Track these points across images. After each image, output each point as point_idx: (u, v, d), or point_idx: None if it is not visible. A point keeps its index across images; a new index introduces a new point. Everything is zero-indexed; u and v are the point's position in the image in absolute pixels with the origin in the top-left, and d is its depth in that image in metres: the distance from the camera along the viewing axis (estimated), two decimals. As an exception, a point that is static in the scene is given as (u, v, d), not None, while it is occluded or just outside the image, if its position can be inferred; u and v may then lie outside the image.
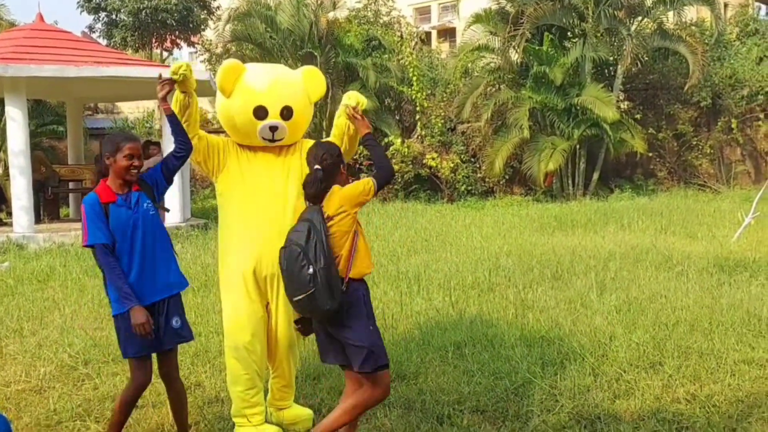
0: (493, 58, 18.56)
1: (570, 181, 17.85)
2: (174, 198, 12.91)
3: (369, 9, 21.42)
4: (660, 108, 18.74)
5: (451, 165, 18.33)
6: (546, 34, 16.94)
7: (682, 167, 18.79)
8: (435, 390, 4.64)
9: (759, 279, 7.59)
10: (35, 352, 5.73)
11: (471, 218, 14.00)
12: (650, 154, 18.23)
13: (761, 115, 18.04)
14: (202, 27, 30.85)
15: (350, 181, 3.84)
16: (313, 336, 3.86)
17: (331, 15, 19.59)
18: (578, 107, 16.77)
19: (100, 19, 30.78)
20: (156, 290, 3.69)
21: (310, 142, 4.12)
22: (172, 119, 3.81)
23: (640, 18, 18.07)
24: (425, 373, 4.97)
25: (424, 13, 45.20)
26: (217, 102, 4.32)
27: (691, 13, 20.70)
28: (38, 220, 12.98)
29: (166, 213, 11.68)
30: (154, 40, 30.97)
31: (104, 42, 29.13)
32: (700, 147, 18.37)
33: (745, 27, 21.40)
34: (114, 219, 3.59)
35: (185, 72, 3.86)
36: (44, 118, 19.82)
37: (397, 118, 20.13)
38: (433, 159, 18.36)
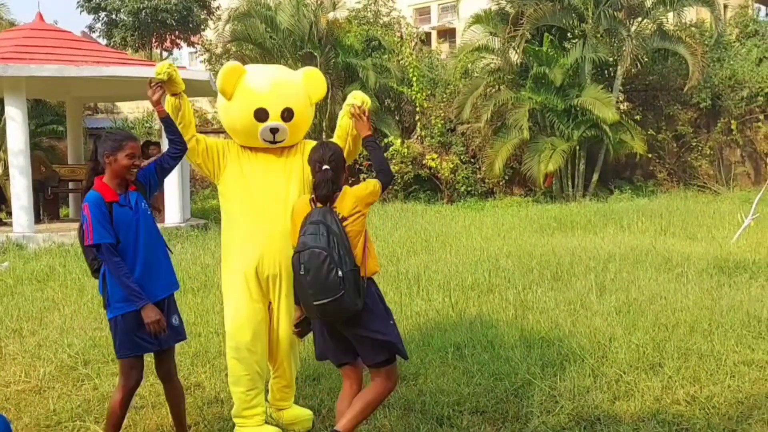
0: (492, 59, 18.57)
1: (570, 182, 17.84)
2: (174, 198, 12.92)
3: (369, 9, 21.43)
4: (660, 109, 18.72)
5: (451, 166, 18.33)
6: (546, 34, 16.93)
7: (681, 168, 18.77)
8: (435, 391, 4.64)
9: (759, 280, 7.57)
10: (35, 352, 5.73)
11: (471, 219, 14.00)
12: (650, 155, 18.20)
13: (761, 117, 18.02)
14: (202, 27, 30.89)
15: (350, 181, 3.84)
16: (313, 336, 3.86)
17: (331, 15, 19.60)
18: (578, 108, 16.77)
19: (100, 18, 30.82)
20: (158, 289, 3.71)
21: (312, 143, 4.12)
22: (167, 121, 3.85)
23: (639, 19, 18.05)
24: (425, 374, 4.96)
25: (423, 13, 45.18)
26: (218, 104, 4.32)
27: (690, 14, 20.69)
28: (38, 220, 12.96)
29: (158, 213, 11.71)
30: (154, 40, 31.00)
31: (104, 42, 29.13)
32: (700, 148, 18.35)
33: (745, 28, 21.37)
34: (117, 219, 3.59)
35: (169, 71, 3.87)
36: (44, 117, 19.82)
37: (397, 118, 20.12)
38: (433, 160, 18.34)
